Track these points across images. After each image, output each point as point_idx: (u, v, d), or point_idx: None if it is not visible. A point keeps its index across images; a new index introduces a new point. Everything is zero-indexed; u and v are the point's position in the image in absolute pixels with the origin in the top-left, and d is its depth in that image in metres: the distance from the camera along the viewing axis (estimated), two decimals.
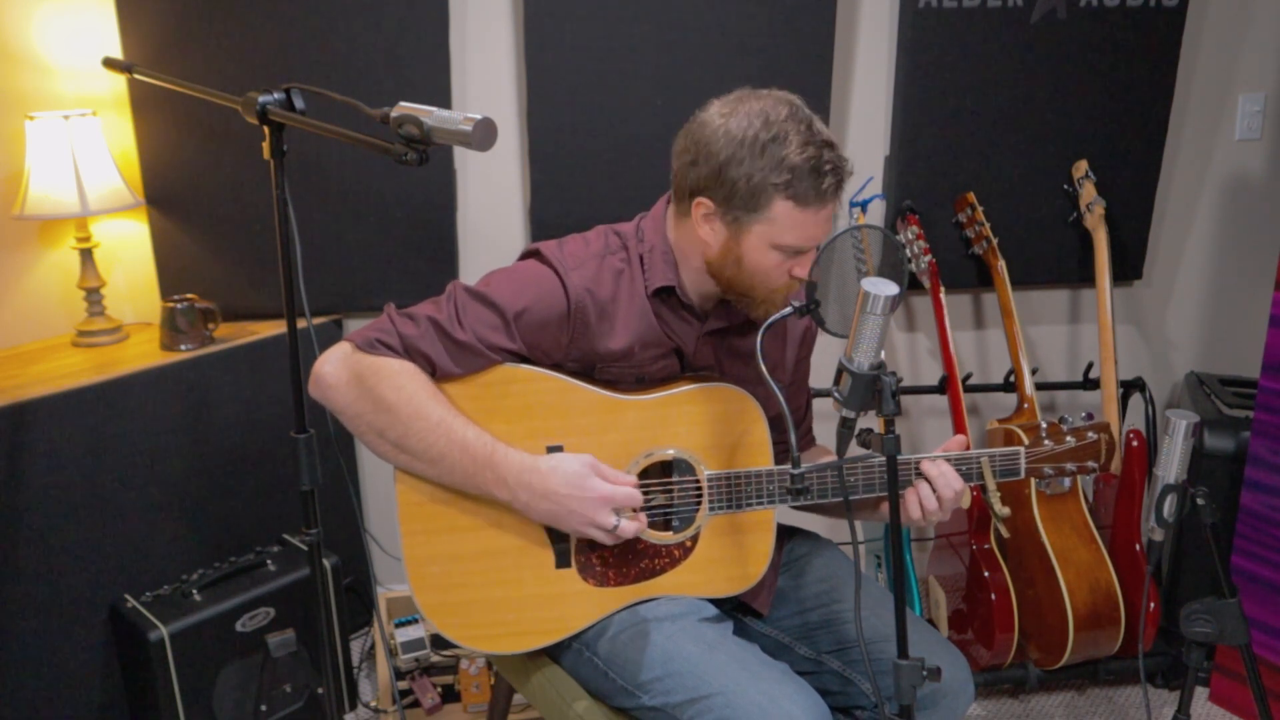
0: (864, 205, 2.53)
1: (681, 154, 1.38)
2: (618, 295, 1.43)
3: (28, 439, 1.83)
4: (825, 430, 1.64)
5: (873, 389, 1.21)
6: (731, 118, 1.33)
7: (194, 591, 1.98)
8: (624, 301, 1.43)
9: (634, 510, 1.38)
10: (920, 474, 1.42)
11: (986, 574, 2.24)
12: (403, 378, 1.36)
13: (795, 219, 1.33)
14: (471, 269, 2.48)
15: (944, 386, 2.49)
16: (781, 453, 1.55)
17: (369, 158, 2.26)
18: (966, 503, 2.25)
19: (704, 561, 1.46)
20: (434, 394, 1.37)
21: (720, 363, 1.52)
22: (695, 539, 1.46)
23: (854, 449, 1.31)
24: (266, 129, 1.34)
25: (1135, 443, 2.23)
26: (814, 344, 1.66)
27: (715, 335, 1.50)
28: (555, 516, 1.36)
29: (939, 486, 1.41)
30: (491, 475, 1.36)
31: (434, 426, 1.35)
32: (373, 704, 2.30)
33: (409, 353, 1.37)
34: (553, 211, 2.38)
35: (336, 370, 1.37)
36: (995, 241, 2.44)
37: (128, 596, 1.97)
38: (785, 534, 1.65)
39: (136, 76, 1.71)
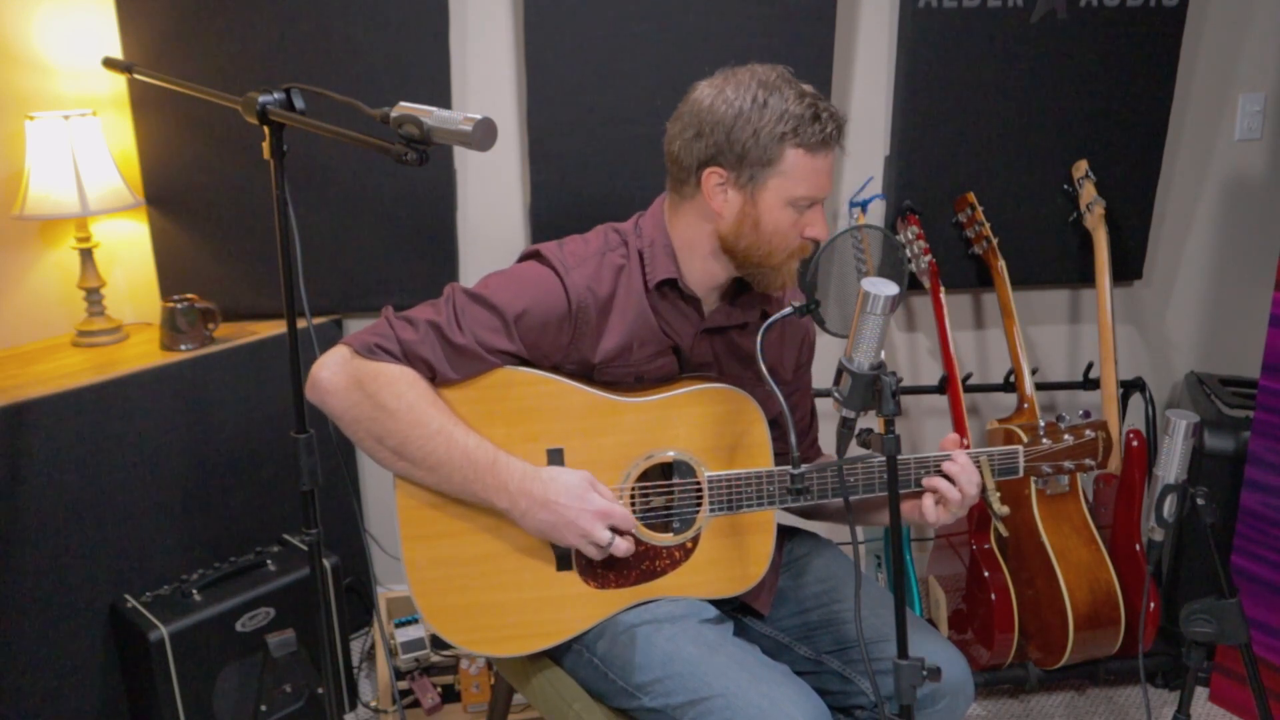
0: (864, 205, 2.53)
1: (682, 133, 1.40)
2: (617, 292, 1.43)
3: (28, 439, 1.83)
4: (825, 431, 1.64)
5: (873, 389, 1.21)
6: (726, 87, 1.37)
7: (194, 591, 1.98)
8: (622, 298, 1.43)
9: (625, 533, 1.39)
10: (941, 472, 1.42)
11: (986, 574, 2.24)
12: (402, 384, 1.35)
13: (806, 166, 1.35)
14: (471, 269, 2.48)
15: (944, 386, 2.49)
16: (782, 454, 1.55)
17: (369, 158, 2.26)
18: None
19: (704, 563, 1.46)
20: (434, 401, 1.37)
21: (719, 360, 1.52)
22: (696, 540, 1.46)
23: (854, 449, 1.31)
24: (266, 129, 1.34)
25: (1135, 443, 2.23)
26: (813, 352, 1.66)
27: (714, 333, 1.51)
28: (552, 526, 1.36)
29: (961, 482, 1.40)
30: (493, 482, 1.36)
31: (434, 434, 1.35)
32: (373, 704, 2.30)
33: (408, 358, 1.37)
34: (553, 211, 2.38)
35: (334, 375, 1.36)
36: (995, 241, 2.44)
37: (128, 596, 1.97)
38: (785, 534, 1.65)
39: (136, 76, 1.71)
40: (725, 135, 1.34)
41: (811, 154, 1.35)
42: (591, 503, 1.36)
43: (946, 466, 1.41)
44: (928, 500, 1.42)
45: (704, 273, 1.46)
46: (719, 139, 1.35)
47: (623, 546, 1.38)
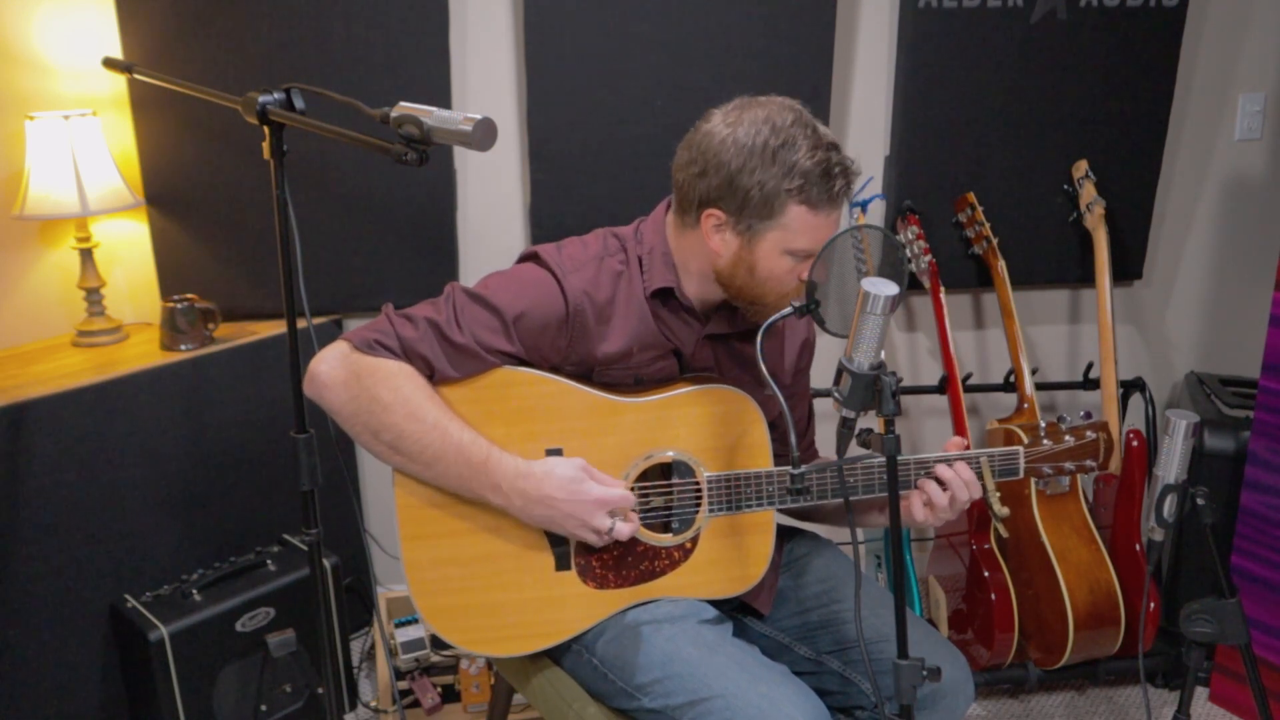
0: (864, 205, 2.53)
1: (687, 166, 1.37)
2: (616, 297, 1.42)
3: (28, 439, 1.83)
4: (825, 431, 1.64)
5: (873, 389, 1.21)
6: (738, 126, 1.33)
7: (194, 591, 1.98)
8: (622, 303, 1.43)
9: (628, 512, 1.38)
10: (932, 476, 1.42)
11: (986, 574, 2.24)
12: (399, 379, 1.35)
13: (808, 223, 1.33)
14: (471, 269, 2.48)
15: (944, 386, 2.49)
16: (781, 455, 1.55)
17: (369, 158, 2.26)
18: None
19: (704, 563, 1.46)
20: (431, 396, 1.37)
21: (719, 364, 1.52)
22: (695, 540, 1.46)
23: (854, 449, 1.31)
24: (266, 129, 1.34)
25: (1135, 443, 2.23)
26: (813, 355, 1.66)
27: (715, 339, 1.50)
28: (550, 520, 1.36)
29: (954, 488, 1.40)
30: (486, 480, 1.36)
31: (430, 429, 1.35)
32: (373, 704, 2.30)
33: (407, 355, 1.37)
34: (553, 211, 2.38)
35: (333, 369, 1.36)
36: (995, 241, 2.44)
37: (128, 596, 1.97)
38: (785, 534, 1.65)
39: (136, 76, 1.71)
40: (729, 181, 1.32)
41: (815, 211, 1.33)
42: (587, 493, 1.35)
43: (940, 470, 1.41)
44: (916, 501, 1.42)
45: (700, 291, 1.46)
46: (722, 183, 1.33)
47: (625, 529, 1.37)
